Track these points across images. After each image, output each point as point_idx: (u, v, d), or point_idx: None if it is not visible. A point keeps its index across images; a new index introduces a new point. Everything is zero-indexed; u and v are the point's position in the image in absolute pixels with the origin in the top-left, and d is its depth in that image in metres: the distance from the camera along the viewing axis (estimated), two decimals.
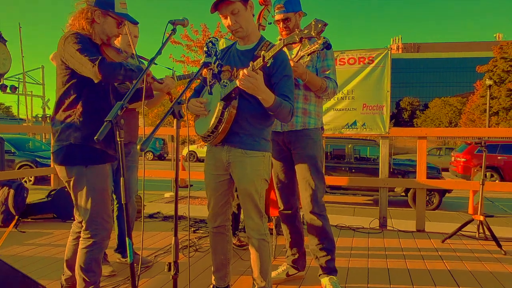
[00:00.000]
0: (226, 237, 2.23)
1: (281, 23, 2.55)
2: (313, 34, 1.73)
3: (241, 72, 1.80)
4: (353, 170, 9.28)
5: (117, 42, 2.78)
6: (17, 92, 17.79)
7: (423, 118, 46.74)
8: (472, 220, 3.60)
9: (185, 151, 20.34)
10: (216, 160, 2.12)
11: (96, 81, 1.87)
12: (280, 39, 2.75)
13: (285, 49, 2.60)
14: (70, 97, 1.96)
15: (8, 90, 15.30)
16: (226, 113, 1.95)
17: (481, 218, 3.55)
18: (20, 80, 19.04)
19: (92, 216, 1.99)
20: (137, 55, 2.93)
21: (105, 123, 1.45)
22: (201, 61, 1.88)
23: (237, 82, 1.81)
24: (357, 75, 4.52)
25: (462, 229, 3.71)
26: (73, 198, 2.04)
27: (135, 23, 2.15)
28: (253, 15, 2.10)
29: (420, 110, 51.67)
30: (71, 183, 2.00)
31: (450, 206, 8.62)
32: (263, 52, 1.83)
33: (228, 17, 1.98)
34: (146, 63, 2.97)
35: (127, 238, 1.51)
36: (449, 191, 8.25)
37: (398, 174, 8.81)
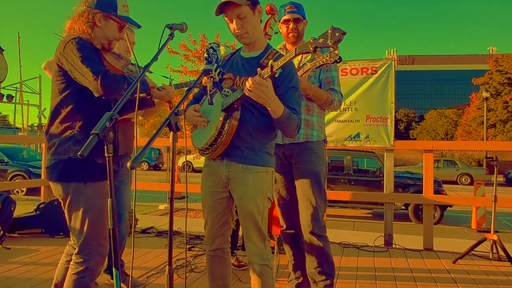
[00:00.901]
0: (224, 261, 2.03)
1: (292, 23, 2.41)
2: (330, 44, 1.55)
3: (250, 79, 1.62)
4: (352, 183, 9.11)
5: (115, 49, 2.66)
6: (13, 101, 17.63)
7: (419, 130, 46.82)
8: (485, 239, 3.42)
9: (180, 161, 20.12)
10: (214, 176, 1.93)
11: (96, 95, 1.73)
12: (281, 48, 2.62)
13: None
14: (67, 107, 1.79)
15: (4, 99, 15.13)
16: (226, 125, 1.78)
17: (495, 237, 3.37)
18: (17, 89, 18.91)
19: (87, 239, 1.79)
20: (136, 63, 2.77)
21: (91, 136, 1.26)
22: (201, 68, 1.70)
23: (246, 90, 1.64)
24: (360, 85, 4.38)
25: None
26: (67, 217, 1.84)
27: (138, 26, 1.99)
28: (261, 21, 1.94)
29: (416, 121, 51.83)
30: (67, 201, 1.80)
31: (452, 220, 8.45)
32: (271, 61, 1.65)
33: (234, 21, 1.82)
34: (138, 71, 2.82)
35: (113, 269, 1.31)
36: (450, 205, 8.08)
37: (398, 187, 8.65)
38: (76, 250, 1.82)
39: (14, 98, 17.81)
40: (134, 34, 2.74)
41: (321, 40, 1.56)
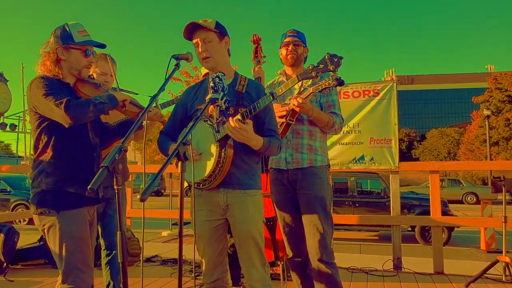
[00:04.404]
0: None
1: (291, 45, 2.46)
2: (331, 69, 1.65)
3: (230, 123, 1.75)
4: (357, 205, 9.01)
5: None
6: (16, 130, 17.71)
7: (421, 149, 46.69)
8: (497, 261, 3.35)
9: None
10: (211, 204, 1.93)
11: (67, 126, 1.76)
12: (281, 73, 2.65)
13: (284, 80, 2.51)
14: (42, 141, 1.85)
15: (7, 128, 15.22)
16: (223, 153, 1.81)
17: (507, 259, 3.30)
18: (20, 118, 19.05)
19: (68, 267, 1.79)
20: (119, 88, 2.77)
21: (100, 169, 1.27)
22: (207, 97, 1.72)
23: (228, 132, 1.77)
24: (362, 108, 4.40)
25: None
26: (50, 247, 1.86)
27: (101, 46, 2.00)
28: (229, 55, 2.04)
29: (418, 141, 51.79)
30: (46, 232, 1.83)
31: (460, 241, 8.31)
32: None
33: (200, 44, 1.92)
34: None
35: None
36: (458, 225, 7.95)
37: (403, 209, 8.53)
38: (60, 279, 1.82)
39: (17, 127, 17.92)
40: (115, 64, 2.75)
41: (321, 66, 1.65)
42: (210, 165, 1.81)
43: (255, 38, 2.99)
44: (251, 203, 1.88)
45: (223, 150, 1.80)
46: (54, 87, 1.81)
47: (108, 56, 2.69)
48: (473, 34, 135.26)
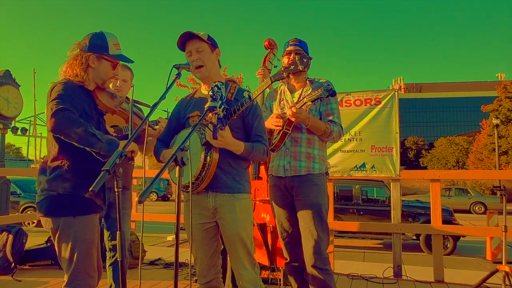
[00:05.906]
0: None
1: (293, 54, 2.49)
2: (301, 69, 1.83)
3: (208, 131, 1.85)
4: (361, 212, 9.01)
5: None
6: (27, 134, 18.06)
7: (429, 158, 46.29)
8: (497, 271, 3.35)
9: None
10: (200, 208, 2.01)
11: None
12: (283, 82, 2.72)
13: (287, 92, 2.57)
14: (55, 146, 1.86)
15: (19, 132, 15.54)
16: (209, 157, 1.90)
17: (507, 268, 3.30)
18: (31, 122, 19.45)
19: (76, 271, 1.82)
20: (133, 100, 2.85)
21: (102, 172, 1.34)
22: (206, 105, 1.81)
23: (208, 138, 1.86)
24: (364, 116, 4.45)
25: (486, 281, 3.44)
26: (56, 249, 1.88)
27: (130, 62, 2.08)
28: (220, 66, 2.14)
29: (426, 149, 51.34)
30: (57, 234, 1.84)
31: (466, 251, 8.25)
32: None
33: (193, 53, 2.00)
34: (145, 108, 2.90)
35: None
36: (463, 235, 7.90)
37: (408, 217, 8.53)
38: (65, 282, 1.84)
39: (28, 131, 18.27)
40: (130, 72, 2.80)
41: (292, 67, 1.79)
42: (195, 168, 1.89)
43: (265, 43, 2.89)
44: (239, 206, 1.95)
45: (208, 154, 1.90)
46: (69, 95, 1.79)
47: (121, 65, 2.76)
48: (484, 42, 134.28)
